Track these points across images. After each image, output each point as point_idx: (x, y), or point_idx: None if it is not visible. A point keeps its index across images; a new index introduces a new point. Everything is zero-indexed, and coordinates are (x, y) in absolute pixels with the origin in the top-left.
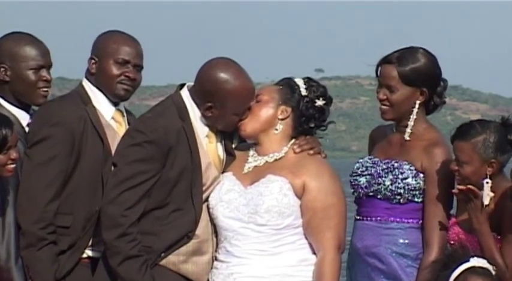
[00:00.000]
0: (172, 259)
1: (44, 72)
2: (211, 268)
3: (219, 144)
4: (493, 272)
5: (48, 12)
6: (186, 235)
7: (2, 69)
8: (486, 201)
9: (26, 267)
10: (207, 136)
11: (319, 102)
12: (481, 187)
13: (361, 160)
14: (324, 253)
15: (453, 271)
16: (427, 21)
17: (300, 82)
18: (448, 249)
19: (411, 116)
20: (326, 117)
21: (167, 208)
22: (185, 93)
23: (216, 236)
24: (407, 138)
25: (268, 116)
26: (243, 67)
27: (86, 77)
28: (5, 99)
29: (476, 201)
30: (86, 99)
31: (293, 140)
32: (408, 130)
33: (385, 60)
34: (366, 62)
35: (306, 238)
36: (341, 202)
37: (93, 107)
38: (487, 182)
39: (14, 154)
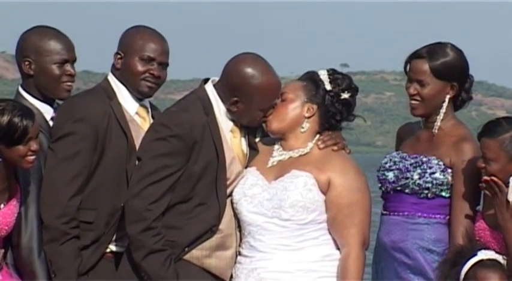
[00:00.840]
0: (196, 254)
1: (68, 67)
2: (235, 262)
3: (243, 139)
4: (503, 262)
5: (74, 5)
6: (210, 229)
7: (27, 63)
8: (511, 198)
9: (49, 261)
10: (231, 131)
11: (345, 95)
12: (507, 185)
13: (389, 155)
14: (348, 249)
15: (463, 266)
16: (452, 17)
17: (323, 76)
18: (454, 246)
19: (441, 111)
20: (352, 110)
21: (191, 202)
22: (210, 88)
23: (240, 231)
24: (435, 132)
25: (294, 115)
26: (269, 63)
27: (112, 72)
28: (29, 93)
29: (501, 196)
30: (111, 94)
31: (318, 136)
32: (437, 124)
33: (416, 55)
34: (392, 58)
35: (330, 233)
36: (366, 198)
37: (118, 102)
38: None
39: (34, 146)
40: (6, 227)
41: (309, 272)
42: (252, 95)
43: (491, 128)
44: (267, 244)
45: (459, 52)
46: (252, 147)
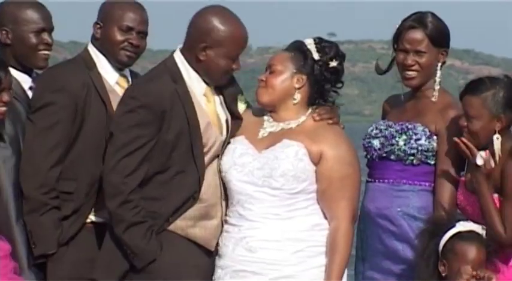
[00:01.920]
0: (180, 224)
1: (45, 36)
2: (221, 232)
3: (218, 104)
4: (483, 232)
5: None
6: (191, 196)
7: (4, 32)
8: (479, 162)
9: (29, 232)
10: (204, 95)
11: (333, 64)
12: (488, 145)
13: (375, 123)
14: (338, 223)
15: (441, 238)
16: None
17: (311, 46)
18: (432, 216)
19: (436, 78)
20: (341, 77)
21: (169, 171)
22: (177, 55)
23: (226, 201)
24: (434, 100)
25: (285, 86)
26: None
27: (92, 42)
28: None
29: (472, 159)
30: (90, 65)
31: (310, 110)
32: (436, 93)
33: (408, 26)
34: (379, 26)
35: (318, 203)
36: (357, 172)
37: (98, 72)
38: (497, 138)
39: (5, 97)
40: None
41: (298, 241)
42: (220, 39)
43: (474, 86)
44: (256, 212)
45: (440, 19)
46: (235, 116)
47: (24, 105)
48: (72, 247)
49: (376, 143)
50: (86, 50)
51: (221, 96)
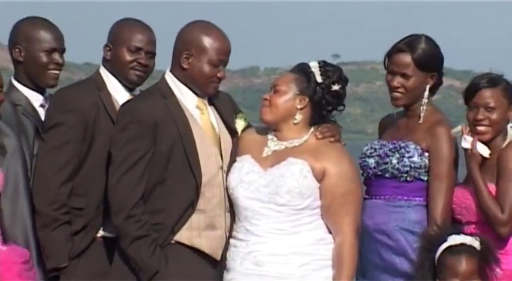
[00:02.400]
0: (185, 234)
1: (56, 56)
2: (228, 245)
3: (212, 116)
4: (474, 243)
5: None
6: (190, 205)
7: (17, 50)
8: (465, 145)
9: (42, 246)
10: (197, 107)
11: (335, 87)
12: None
13: (370, 143)
14: (343, 237)
15: (435, 253)
16: (442, 6)
17: (315, 69)
18: (425, 232)
19: (423, 100)
20: (343, 100)
21: (167, 181)
22: (167, 74)
23: (230, 213)
24: (421, 122)
25: (287, 106)
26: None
27: (103, 64)
28: (20, 82)
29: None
30: (101, 85)
31: (313, 129)
32: (422, 114)
33: (397, 49)
34: (382, 48)
35: (322, 219)
36: (359, 188)
37: (108, 92)
38: (511, 127)
39: None
40: None
41: (304, 255)
42: (202, 46)
43: (491, 79)
44: (263, 228)
45: (434, 42)
46: (230, 128)
47: (32, 121)
48: (84, 260)
49: (371, 161)
50: (98, 72)
51: (216, 111)
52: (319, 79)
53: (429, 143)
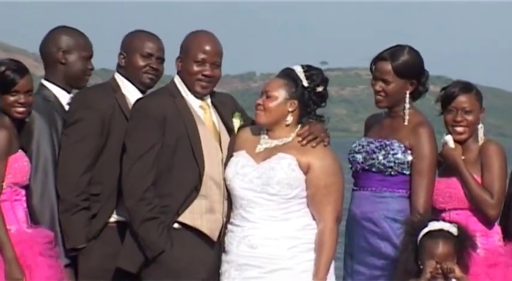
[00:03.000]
0: (188, 216)
1: (90, 62)
2: (227, 230)
3: (214, 115)
4: (453, 229)
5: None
6: (194, 189)
7: (61, 53)
8: (445, 139)
9: (63, 229)
10: (201, 107)
11: (319, 89)
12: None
13: (358, 140)
14: (324, 224)
15: (417, 238)
16: (419, 20)
17: (300, 74)
18: (408, 218)
19: (405, 105)
20: (326, 99)
21: (173, 170)
22: (176, 77)
23: (228, 201)
24: (406, 124)
25: (280, 111)
26: (215, 36)
27: (117, 70)
28: (51, 82)
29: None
30: (116, 88)
31: (299, 126)
32: (406, 117)
33: (380, 58)
34: (364, 57)
35: (308, 206)
36: (340, 180)
37: (122, 94)
38: (481, 127)
39: (22, 98)
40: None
41: (293, 239)
42: (186, 47)
43: (465, 87)
44: (257, 215)
45: (416, 53)
46: (228, 126)
47: (60, 116)
48: (99, 242)
49: (359, 157)
50: (113, 77)
51: (217, 111)
52: (305, 83)
53: (412, 142)
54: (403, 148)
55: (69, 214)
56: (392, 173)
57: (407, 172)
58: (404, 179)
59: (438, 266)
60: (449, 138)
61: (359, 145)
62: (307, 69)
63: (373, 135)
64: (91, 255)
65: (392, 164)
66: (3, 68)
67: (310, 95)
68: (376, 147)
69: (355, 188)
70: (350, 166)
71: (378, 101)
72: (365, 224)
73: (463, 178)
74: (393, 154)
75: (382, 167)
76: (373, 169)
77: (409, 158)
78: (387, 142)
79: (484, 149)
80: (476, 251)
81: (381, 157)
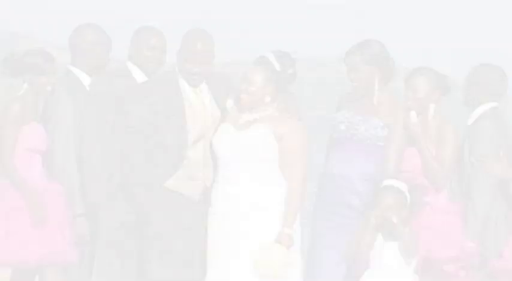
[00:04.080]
0: (173, 182)
1: (108, 54)
2: (212, 188)
3: (205, 97)
4: (404, 190)
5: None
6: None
7: (87, 45)
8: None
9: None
10: (193, 91)
11: (290, 71)
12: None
13: (342, 111)
14: (292, 185)
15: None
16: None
17: (273, 60)
18: (379, 179)
19: (375, 89)
20: (295, 77)
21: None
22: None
23: (212, 167)
24: (381, 103)
25: (261, 94)
26: (209, 33)
27: (129, 59)
28: (76, 66)
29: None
30: (127, 74)
31: (275, 104)
32: (375, 99)
33: (350, 50)
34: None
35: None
36: (305, 148)
37: (133, 78)
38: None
39: (47, 79)
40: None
41: (268, 193)
42: (180, 46)
43: (420, 71)
44: (237, 174)
45: (380, 44)
46: (220, 106)
47: (82, 93)
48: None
49: (342, 126)
50: (125, 65)
51: (209, 95)
52: (278, 68)
53: (389, 120)
54: (381, 124)
55: None
56: (369, 142)
57: (382, 143)
58: (379, 149)
59: (382, 215)
60: (412, 114)
61: (343, 115)
62: (278, 54)
63: (356, 111)
64: (114, 208)
65: (370, 136)
66: (39, 57)
67: (284, 76)
68: (359, 120)
69: (337, 153)
70: (333, 132)
71: (352, 87)
72: (341, 182)
73: (419, 148)
74: (374, 128)
75: (362, 137)
76: (354, 138)
77: (385, 132)
78: (368, 117)
79: (440, 127)
80: (423, 208)
81: (362, 129)
